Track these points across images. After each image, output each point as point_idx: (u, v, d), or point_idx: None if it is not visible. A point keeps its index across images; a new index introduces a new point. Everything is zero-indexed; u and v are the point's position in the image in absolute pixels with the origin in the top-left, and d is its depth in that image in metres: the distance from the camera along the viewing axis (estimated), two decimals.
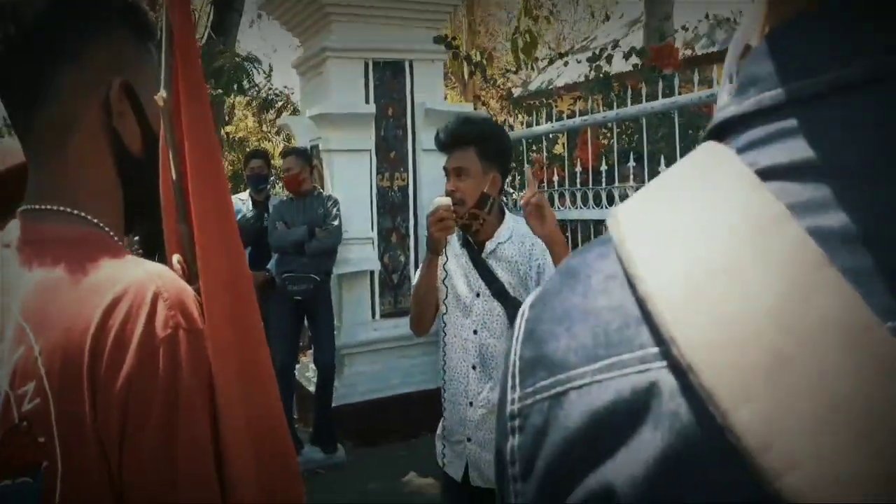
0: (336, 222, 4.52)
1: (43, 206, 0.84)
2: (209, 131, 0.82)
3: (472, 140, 2.15)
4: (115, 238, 0.85)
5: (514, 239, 2.16)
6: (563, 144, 4.63)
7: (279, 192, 6.41)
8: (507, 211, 2.28)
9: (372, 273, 4.91)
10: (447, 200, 2.09)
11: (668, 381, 0.33)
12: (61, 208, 0.84)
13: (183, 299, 0.79)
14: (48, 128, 0.84)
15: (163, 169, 0.84)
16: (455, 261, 2.20)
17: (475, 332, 2.14)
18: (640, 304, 0.35)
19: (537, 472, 0.37)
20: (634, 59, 5.78)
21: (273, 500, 0.85)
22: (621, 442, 0.33)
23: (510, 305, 2.11)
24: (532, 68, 7.42)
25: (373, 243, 4.92)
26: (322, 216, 4.52)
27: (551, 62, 6.97)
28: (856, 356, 0.29)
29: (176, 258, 0.84)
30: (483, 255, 2.16)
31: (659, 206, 0.38)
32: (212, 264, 0.80)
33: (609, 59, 5.66)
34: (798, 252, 0.31)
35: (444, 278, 2.18)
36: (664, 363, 0.33)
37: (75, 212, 0.84)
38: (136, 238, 0.95)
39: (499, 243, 2.16)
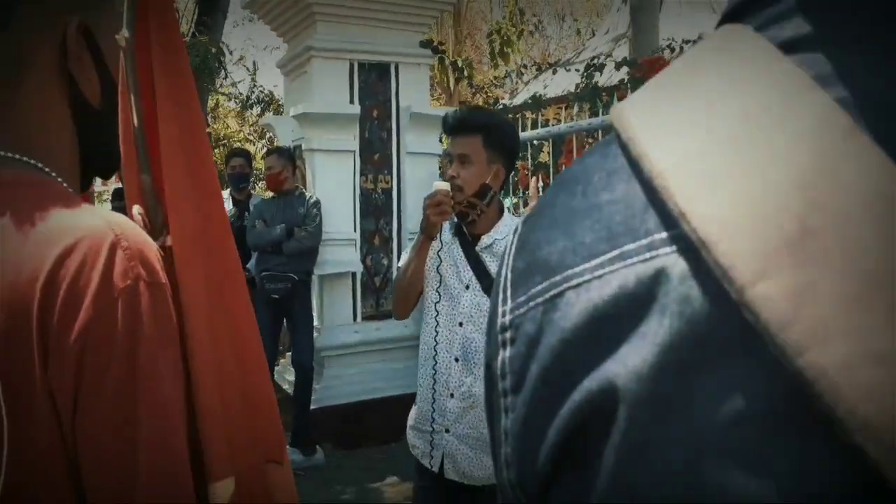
0: (316, 222, 4.47)
1: None
2: (183, 72, 0.77)
3: (480, 127, 2.08)
4: (69, 189, 0.80)
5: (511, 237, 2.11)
6: (549, 152, 4.62)
7: (260, 192, 6.35)
8: (506, 210, 2.23)
9: (354, 275, 4.86)
10: (446, 185, 2.04)
11: (677, 265, 0.30)
12: (8, 154, 0.79)
13: (144, 251, 0.74)
14: None
15: (123, 116, 0.79)
16: (446, 248, 2.16)
17: (460, 324, 2.09)
18: (647, 186, 0.31)
19: (530, 382, 0.35)
20: (622, 75, 5.82)
21: (255, 451, 0.81)
22: (624, 337, 0.30)
23: None
24: (510, 75, 7.45)
25: (355, 245, 4.88)
26: (302, 216, 4.47)
27: (540, 71, 6.98)
28: (890, 228, 0.26)
29: (136, 209, 0.79)
30: (477, 249, 2.12)
31: (670, 88, 0.35)
32: (181, 214, 0.75)
33: (601, 69, 5.68)
34: (825, 121, 0.28)
35: (439, 265, 2.14)
36: (673, 247, 0.30)
37: (24, 158, 0.79)
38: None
39: (496, 239, 2.11)
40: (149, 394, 0.70)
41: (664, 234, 0.30)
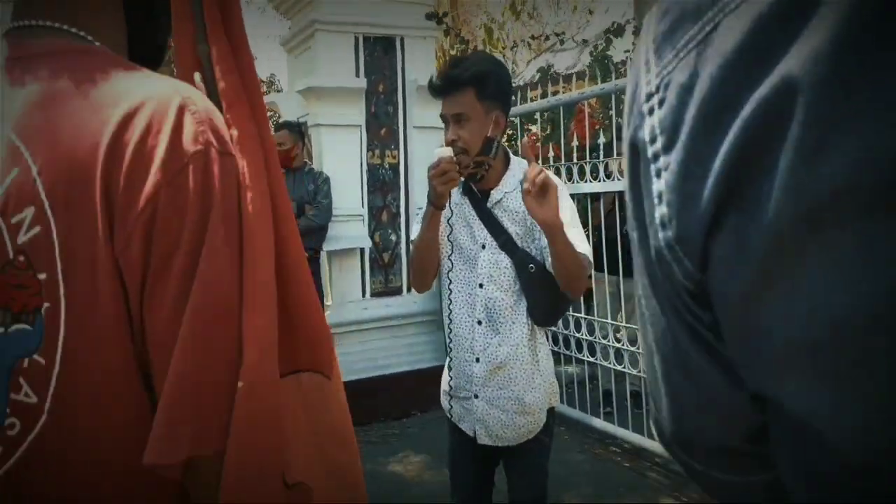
0: (326, 200, 4.41)
1: (34, 22, 0.73)
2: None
3: (469, 80, 1.95)
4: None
5: (519, 187, 1.98)
6: (560, 123, 4.54)
7: None
8: (511, 155, 2.12)
9: (362, 251, 4.80)
10: (448, 151, 1.92)
11: None
12: (56, 24, 0.72)
13: (213, 117, 0.68)
14: None
15: None
16: (456, 210, 2.07)
17: (481, 285, 2.02)
18: None
19: (686, 129, 0.34)
20: (627, 45, 5.75)
21: (307, 357, 0.75)
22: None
23: (518, 257, 1.99)
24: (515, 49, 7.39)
25: (363, 220, 4.81)
26: (312, 193, 4.41)
27: (547, 39, 6.91)
28: None
29: (197, 76, 0.72)
30: (488, 205, 2.03)
31: None
32: (236, 111, 0.71)
33: (621, 33, 5.62)
34: None
35: (449, 233, 2.06)
36: None
37: (72, 29, 0.73)
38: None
39: (505, 192, 2.02)
40: (212, 271, 0.64)
41: None
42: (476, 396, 2.05)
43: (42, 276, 0.64)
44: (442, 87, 2.01)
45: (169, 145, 0.64)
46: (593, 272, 4.38)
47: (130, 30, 0.78)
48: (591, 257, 1.96)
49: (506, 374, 2.02)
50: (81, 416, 0.64)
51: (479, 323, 2.03)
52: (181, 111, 0.66)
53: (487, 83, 1.97)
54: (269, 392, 0.67)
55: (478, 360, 2.04)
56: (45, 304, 0.64)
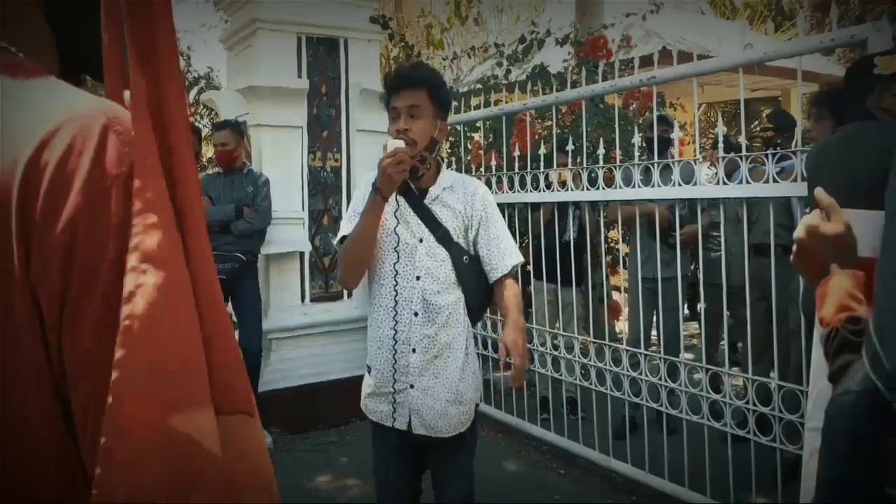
0: (266, 203, 4.33)
1: None
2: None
3: (426, 82, 2.12)
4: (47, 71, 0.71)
5: (456, 188, 2.18)
6: (502, 132, 4.58)
7: (206, 168, 6.14)
8: (441, 163, 2.27)
9: (302, 255, 4.73)
10: (401, 142, 2.02)
11: None
12: None
13: None
14: None
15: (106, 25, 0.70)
16: (400, 208, 2.15)
17: (418, 277, 2.11)
18: None
19: None
20: (565, 55, 5.83)
21: (228, 398, 0.73)
22: None
23: (455, 251, 2.14)
24: (455, 58, 7.40)
25: (303, 224, 4.75)
26: (251, 195, 4.32)
27: (486, 51, 6.94)
28: None
29: (127, 94, 0.69)
30: (426, 201, 2.15)
31: None
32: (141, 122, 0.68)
33: (540, 45, 5.68)
34: None
35: (396, 226, 2.11)
36: None
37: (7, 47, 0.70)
38: None
39: (444, 188, 2.17)
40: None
41: None
42: (412, 387, 2.11)
43: None
44: (400, 81, 2.14)
45: (91, 167, 0.61)
46: (532, 281, 4.44)
47: (59, 43, 0.75)
48: (520, 259, 2.22)
49: (441, 363, 2.12)
50: None
51: (416, 314, 2.11)
52: (105, 131, 0.63)
53: (440, 90, 2.14)
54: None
55: (414, 350, 2.11)
56: None
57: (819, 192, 1.19)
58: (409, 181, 2.12)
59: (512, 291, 2.16)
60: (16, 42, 0.70)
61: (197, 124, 6.83)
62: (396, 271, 2.11)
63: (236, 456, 0.71)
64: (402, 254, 2.11)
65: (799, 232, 1.20)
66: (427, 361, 2.11)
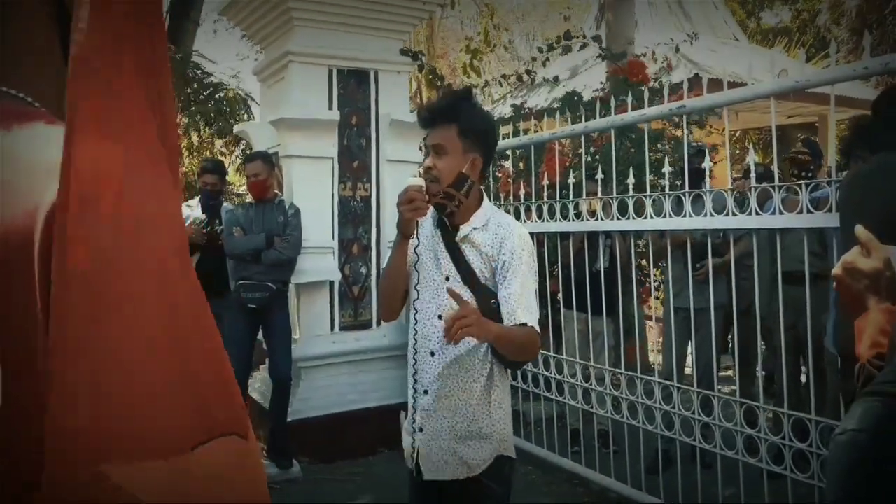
0: (296, 233, 4.37)
1: None
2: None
3: (455, 117, 2.03)
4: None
5: (488, 227, 2.06)
6: (531, 159, 4.58)
7: (232, 201, 6.24)
8: (485, 198, 2.17)
9: (332, 284, 4.75)
10: (419, 181, 1.97)
11: None
12: (3, 88, 0.71)
13: None
14: None
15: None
16: (426, 242, 2.10)
17: (439, 316, 2.03)
18: None
19: None
20: (597, 84, 5.84)
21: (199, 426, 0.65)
22: None
23: (482, 293, 2.02)
24: (486, 86, 7.46)
25: (333, 253, 4.78)
26: (282, 225, 4.36)
27: (520, 79, 6.99)
28: None
29: None
30: (457, 239, 2.06)
31: None
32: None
33: (570, 42, 5.72)
34: None
35: (416, 262, 2.07)
36: None
37: (11, 91, 0.72)
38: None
39: (473, 228, 2.06)
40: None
41: None
42: (421, 430, 2.04)
43: None
44: (428, 118, 2.08)
45: None
46: (562, 310, 4.40)
47: None
48: (537, 326, 2.00)
49: (451, 404, 2.01)
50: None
51: (432, 354, 2.04)
52: None
53: (470, 124, 2.04)
54: None
55: (426, 391, 2.03)
56: None
57: (859, 230, 1.20)
58: (443, 217, 2.08)
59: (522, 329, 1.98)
60: (34, 94, 0.72)
61: (221, 158, 6.96)
62: (416, 309, 2.06)
63: (237, 485, 0.66)
64: (422, 291, 2.06)
65: (837, 269, 1.20)
66: (436, 403, 2.02)
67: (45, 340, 0.61)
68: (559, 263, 4.48)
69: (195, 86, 8.16)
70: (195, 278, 0.68)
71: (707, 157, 3.41)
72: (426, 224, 2.11)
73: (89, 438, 0.54)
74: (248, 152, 4.95)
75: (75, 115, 0.59)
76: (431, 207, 2.03)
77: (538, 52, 5.86)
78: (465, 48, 8.37)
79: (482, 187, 2.18)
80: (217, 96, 8.26)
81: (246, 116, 8.44)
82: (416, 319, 2.07)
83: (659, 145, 5.08)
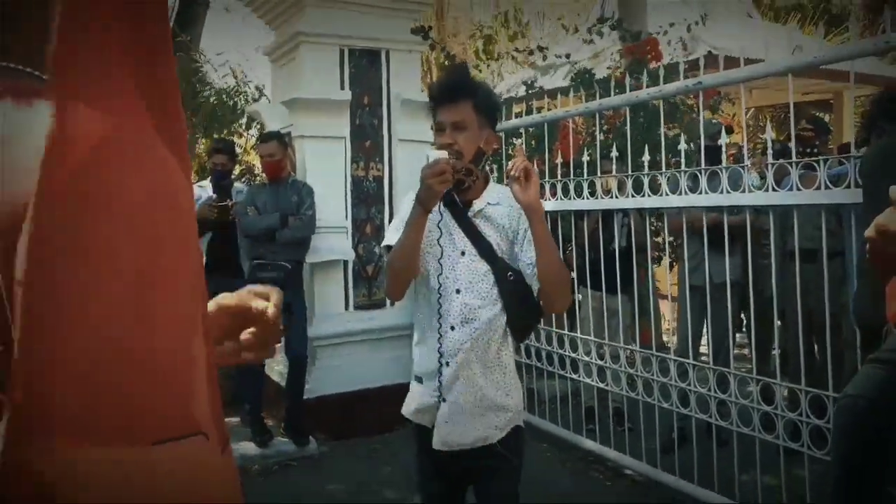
0: (310, 212, 4.38)
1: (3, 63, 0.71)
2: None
3: (471, 93, 2.06)
4: None
5: (502, 202, 2.10)
6: (545, 139, 4.55)
7: (253, 181, 6.25)
8: (490, 176, 2.22)
9: (345, 263, 4.77)
10: (444, 153, 1.98)
11: None
12: (19, 67, 0.71)
13: None
14: None
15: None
16: (443, 219, 2.11)
17: (458, 291, 2.06)
18: None
19: None
20: (608, 62, 5.80)
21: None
22: None
23: (499, 266, 2.06)
24: (492, 68, 7.42)
25: (347, 233, 4.79)
26: (296, 204, 4.37)
27: (531, 54, 6.93)
28: None
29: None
30: (469, 214, 2.09)
31: None
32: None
33: (600, 33, 5.68)
34: None
35: (439, 237, 2.08)
36: None
37: (27, 69, 0.71)
38: None
39: (488, 203, 2.10)
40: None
41: None
42: (443, 400, 2.06)
43: None
44: (444, 95, 2.10)
45: None
46: (577, 288, 4.39)
47: None
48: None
49: (472, 375, 2.05)
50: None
51: (453, 328, 2.06)
52: None
53: (484, 100, 2.09)
54: None
55: (447, 364, 2.06)
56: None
57: (893, 190, 1.17)
58: (454, 193, 2.09)
59: None
60: (32, 62, 0.72)
61: (230, 139, 6.90)
62: (440, 283, 2.08)
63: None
64: (445, 266, 2.08)
65: (870, 231, 1.19)
66: (458, 374, 2.06)
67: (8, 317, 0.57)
68: (573, 242, 4.47)
69: (196, 84, 8.00)
70: (194, 266, 0.64)
71: (724, 135, 3.38)
72: None
73: (45, 411, 0.51)
74: (262, 132, 4.94)
75: (61, 84, 0.57)
76: None
77: (583, 40, 5.83)
78: (477, 32, 8.28)
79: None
80: (213, 100, 7.97)
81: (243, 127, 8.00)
82: (440, 294, 2.08)
83: (674, 123, 5.04)
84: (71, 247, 0.54)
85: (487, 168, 2.19)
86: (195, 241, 0.64)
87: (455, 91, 2.08)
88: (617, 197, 3.79)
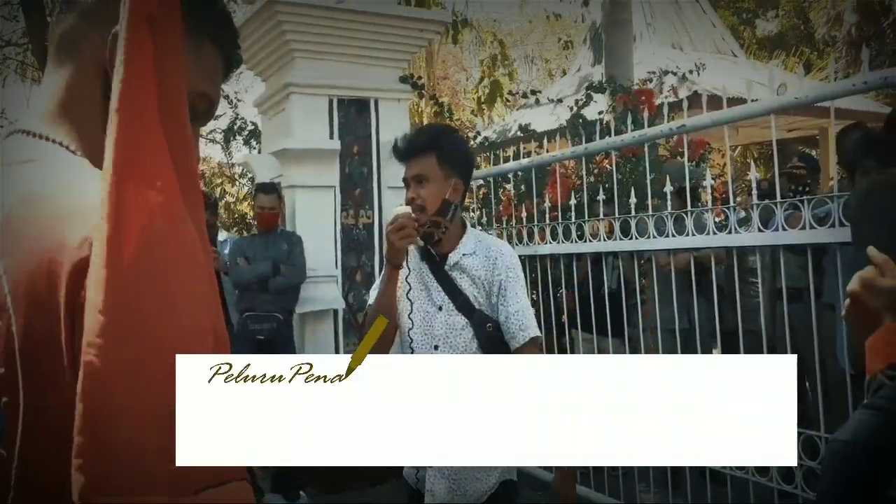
0: (301, 259, 4.40)
1: (30, 130, 0.78)
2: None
3: (431, 146, 2.05)
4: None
5: (478, 252, 2.07)
6: (532, 181, 4.58)
7: (233, 232, 6.27)
8: (467, 223, 2.19)
9: (336, 312, 4.76)
10: (407, 209, 1.99)
11: None
12: (39, 133, 0.77)
13: None
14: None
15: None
16: (415, 275, 2.10)
17: (436, 347, 2.03)
18: None
19: None
20: (600, 107, 5.87)
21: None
22: None
23: (476, 319, 2.03)
24: (490, 118, 7.52)
25: (337, 281, 4.78)
26: (286, 252, 4.39)
27: (524, 96, 7.02)
28: None
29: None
30: (445, 268, 2.07)
31: None
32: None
33: (601, 90, 5.75)
34: None
35: (408, 291, 2.07)
36: None
37: (54, 139, 0.77)
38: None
39: (463, 254, 2.07)
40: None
41: None
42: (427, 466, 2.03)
43: (1, 371, 0.64)
44: (405, 151, 2.10)
45: None
46: (569, 331, 4.38)
47: None
48: (538, 332, 2.06)
49: None
50: None
51: None
52: None
53: (448, 150, 2.07)
54: None
55: None
56: (4, 399, 0.64)
57: (872, 251, 1.19)
58: (428, 247, 2.08)
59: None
60: (80, 142, 0.77)
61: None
62: (411, 339, 2.06)
63: None
64: (416, 321, 2.06)
65: (853, 285, 1.20)
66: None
67: (69, 366, 0.62)
68: (563, 284, 4.47)
69: None
70: (221, 325, 0.68)
71: (708, 177, 3.41)
72: (413, 255, 2.11)
73: (103, 463, 0.55)
74: (257, 182, 4.97)
75: (117, 161, 0.61)
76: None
77: (575, 104, 5.83)
78: (482, 83, 8.36)
79: (462, 214, 2.20)
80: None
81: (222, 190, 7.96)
82: (411, 349, 2.06)
83: (658, 173, 5.10)
84: (138, 323, 0.58)
85: (463, 215, 2.18)
86: (216, 297, 0.68)
87: (413, 146, 2.08)
88: (603, 240, 3.80)
